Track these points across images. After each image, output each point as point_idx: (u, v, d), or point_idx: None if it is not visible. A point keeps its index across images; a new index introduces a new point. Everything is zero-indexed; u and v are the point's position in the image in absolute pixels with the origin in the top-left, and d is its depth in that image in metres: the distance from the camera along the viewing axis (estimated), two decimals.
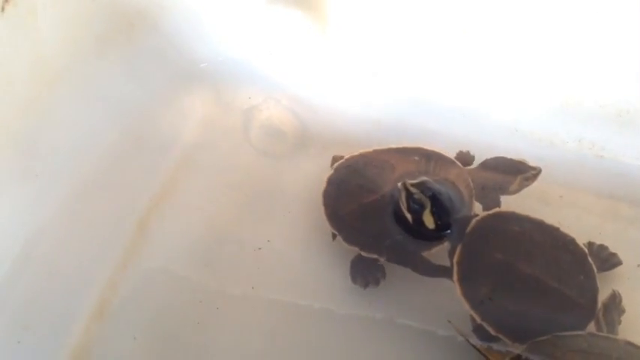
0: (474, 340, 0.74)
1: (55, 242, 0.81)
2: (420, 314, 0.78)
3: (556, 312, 0.72)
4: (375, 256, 0.79)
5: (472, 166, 0.87)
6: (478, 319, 0.72)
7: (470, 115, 0.94)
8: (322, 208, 0.82)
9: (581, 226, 0.82)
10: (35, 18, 0.82)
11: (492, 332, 0.72)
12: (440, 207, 0.76)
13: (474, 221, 0.77)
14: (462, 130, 0.93)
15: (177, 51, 0.98)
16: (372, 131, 0.94)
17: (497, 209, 0.81)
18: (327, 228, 0.81)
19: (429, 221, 0.77)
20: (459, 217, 0.78)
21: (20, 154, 0.81)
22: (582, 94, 0.91)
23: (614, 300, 0.75)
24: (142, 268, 0.82)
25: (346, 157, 0.86)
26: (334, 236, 0.81)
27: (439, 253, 0.78)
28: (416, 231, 0.78)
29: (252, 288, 0.81)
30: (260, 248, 0.84)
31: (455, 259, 0.75)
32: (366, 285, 0.80)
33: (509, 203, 0.83)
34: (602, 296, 0.74)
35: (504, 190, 0.83)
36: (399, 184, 0.77)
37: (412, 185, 0.76)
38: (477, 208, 0.83)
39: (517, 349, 0.71)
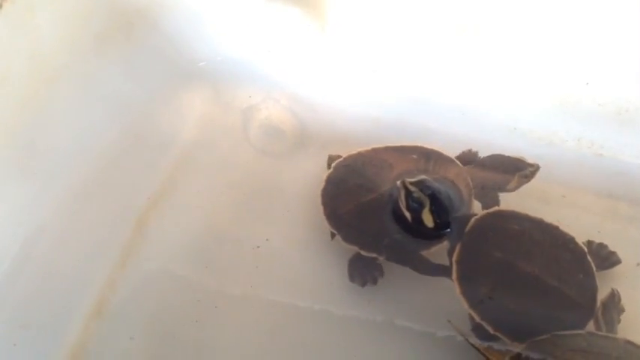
0: (474, 339, 0.74)
1: (53, 241, 0.81)
2: (419, 313, 0.78)
3: (555, 311, 0.72)
4: (374, 255, 0.79)
5: (470, 165, 0.87)
6: (477, 318, 0.72)
7: (469, 113, 0.94)
8: (321, 207, 0.82)
9: (580, 225, 0.82)
10: (33, 15, 0.82)
11: (491, 331, 0.72)
12: (439, 206, 0.76)
13: (473, 220, 0.77)
14: (461, 128, 0.93)
15: (176, 49, 0.98)
16: (372, 130, 0.94)
17: (496, 208, 0.81)
18: (326, 227, 0.81)
19: (428, 220, 0.76)
20: (458, 216, 0.78)
21: (18, 153, 0.81)
22: (581, 93, 0.91)
23: (614, 299, 0.75)
24: (140, 267, 0.81)
25: (345, 155, 0.86)
26: (333, 235, 0.81)
27: (438, 252, 0.78)
28: (415, 230, 0.78)
29: (251, 287, 0.81)
30: (259, 247, 0.84)
31: (454, 258, 0.75)
32: (363, 283, 0.80)
33: (509, 202, 0.83)
34: (602, 295, 0.74)
35: (503, 188, 0.83)
36: (398, 183, 0.77)
37: (411, 184, 0.76)
38: (477, 206, 0.82)
39: (516, 348, 0.71)
